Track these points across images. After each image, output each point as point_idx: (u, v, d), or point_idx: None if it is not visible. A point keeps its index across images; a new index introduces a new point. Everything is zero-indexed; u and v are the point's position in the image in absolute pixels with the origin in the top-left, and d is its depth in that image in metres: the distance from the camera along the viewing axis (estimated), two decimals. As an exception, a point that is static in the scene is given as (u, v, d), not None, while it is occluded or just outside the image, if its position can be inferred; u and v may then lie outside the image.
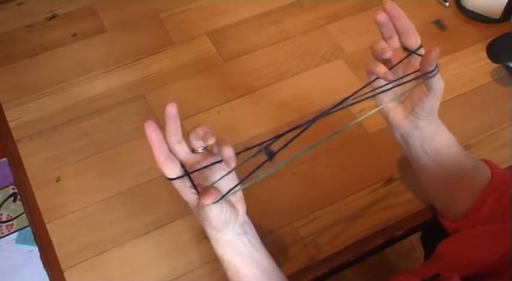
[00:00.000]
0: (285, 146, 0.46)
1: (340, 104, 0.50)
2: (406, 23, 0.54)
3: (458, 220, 0.60)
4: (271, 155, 0.45)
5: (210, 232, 0.52)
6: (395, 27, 0.55)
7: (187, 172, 0.49)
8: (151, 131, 0.48)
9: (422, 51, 0.55)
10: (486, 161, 0.61)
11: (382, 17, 0.55)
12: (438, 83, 0.53)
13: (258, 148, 0.46)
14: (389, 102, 0.58)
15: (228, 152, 0.47)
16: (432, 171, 0.61)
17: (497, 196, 0.57)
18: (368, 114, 0.54)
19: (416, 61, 0.55)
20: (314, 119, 0.47)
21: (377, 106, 0.59)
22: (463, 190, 0.59)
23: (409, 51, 0.55)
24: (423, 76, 0.52)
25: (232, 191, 0.48)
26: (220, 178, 0.49)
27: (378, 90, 0.57)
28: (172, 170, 0.49)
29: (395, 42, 0.57)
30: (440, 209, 0.65)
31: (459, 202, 0.60)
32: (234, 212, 0.50)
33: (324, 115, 0.48)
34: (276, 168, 0.46)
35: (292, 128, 0.46)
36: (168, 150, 0.49)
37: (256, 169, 0.46)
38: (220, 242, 0.52)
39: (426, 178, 0.63)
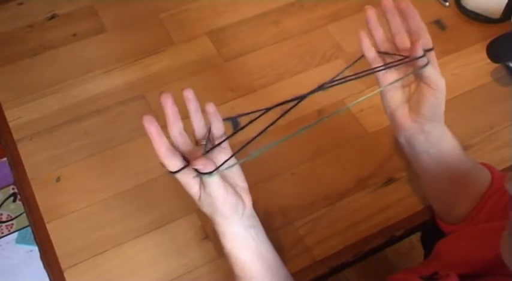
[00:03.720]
0: (255, 119, 0.47)
1: (335, 82, 0.51)
2: (419, 23, 0.55)
3: (458, 223, 0.60)
4: (236, 125, 0.46)
5: (219, 221, 0.51)
6: (409, 26, 0.55)
7: (189, 162, 0.49)
8: (150, 124, 0.47)
9: (432, 54, 0.56)
10: (486, 165, 0.61)
11: (387, 1, 0.55)
12: (434, 75, 0.54)
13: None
14: (387, 86, 0.58)
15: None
16: (434, 173, 0.61)
17: (496, 199, 0.57)
18: (364, 97, 0.54)
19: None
20: (305, 95, 0.48)
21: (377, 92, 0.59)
22: (463, 193, 0.59)
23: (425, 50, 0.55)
24: (412, 60, 0.53)
25: (227, 165, 0.48)
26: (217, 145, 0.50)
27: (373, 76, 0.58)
28: (174, 162, 0.48)
29: (404, 40, 0.57)
30: (440, 212, 0.64)
31: (459, 205, 0.60)
32: (239, 199, 0.51)
33: (317, 91, 0.48)
34: (269, 147, 0.47)
35: (280, 103, 0.47)
36: (169, 143, 0.49)
37: (248, 143, 0.47)
38: (228, 235, 0.52)
39: (427, 180, 0.63)
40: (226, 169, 0.49)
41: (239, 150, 0.48)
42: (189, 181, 0.49)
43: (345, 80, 0.52)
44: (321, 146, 0.74)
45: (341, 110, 0.52)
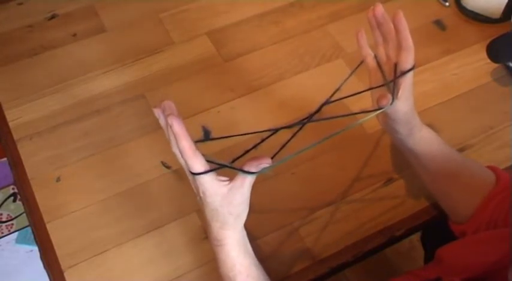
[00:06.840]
0: (260, 142, 0.48)
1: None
2: (408, 39, 0.53)
3: (464, 222, 0.60)
4: (206, 134, 0.47)
5: (234, 224, 0.52)
6: (398, 40, 0.54)
7: (219, 163, 0.48)
8: (177, 124, 0.45)
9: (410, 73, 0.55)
10: (491, 167, 0.61)
11: (378, 11, 0.54)
12: (394, 114, 0.55)
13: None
14: (382, 110, 0.58)
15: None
16: (425, 173, 0.62)
17: (500, 199, 0.57)
18: (367, 118, 0.54)
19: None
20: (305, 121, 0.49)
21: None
22: (466, 192, 0.60)
23: (401, 72, 0.55)
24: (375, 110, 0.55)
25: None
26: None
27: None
28: (201, 163, 0.46)
29: (390, 50, 0.57)
30: (447, 211, 0.65)
31: (463, 204, 0.60)
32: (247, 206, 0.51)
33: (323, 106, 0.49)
34: (281, 162, 0.48)
35: (284, 126, 0.48)
36: (192, 142, 0.47)
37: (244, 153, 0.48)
38: (236, 240, 0.53)
39: (423, 179, 0.64)
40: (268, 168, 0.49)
41: (237, 158, 0.49)
42: (213, 181, 0.48)
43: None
44: (320, 146, 0.74)
45: (353, 125, 0.53)
